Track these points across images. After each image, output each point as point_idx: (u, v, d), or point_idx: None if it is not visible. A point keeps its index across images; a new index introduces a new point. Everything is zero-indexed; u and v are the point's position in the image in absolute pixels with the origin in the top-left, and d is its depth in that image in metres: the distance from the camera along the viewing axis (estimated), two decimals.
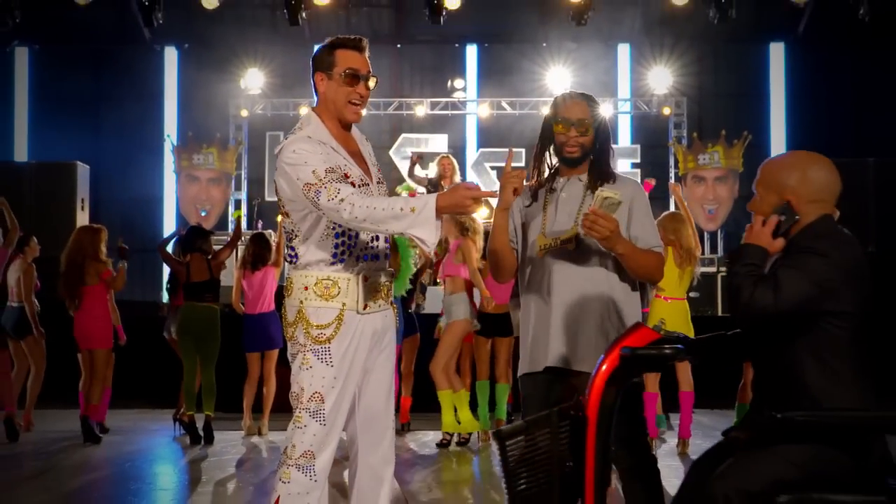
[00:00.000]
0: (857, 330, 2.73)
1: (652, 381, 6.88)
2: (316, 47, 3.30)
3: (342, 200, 2.96)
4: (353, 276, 3.18)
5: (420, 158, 9.95)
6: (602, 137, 3.48)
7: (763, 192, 2.89)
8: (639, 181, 3.94)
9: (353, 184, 3.14)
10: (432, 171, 10.63)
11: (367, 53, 3.27)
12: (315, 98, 3.30)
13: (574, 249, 3.36)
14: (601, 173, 3.46)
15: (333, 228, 3.17)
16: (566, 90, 3.75)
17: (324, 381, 3.13)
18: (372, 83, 3.25)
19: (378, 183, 3.32)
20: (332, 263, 3.18)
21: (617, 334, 3.29)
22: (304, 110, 12.23)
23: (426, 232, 2.93)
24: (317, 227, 3.18)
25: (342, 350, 3.14)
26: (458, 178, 9.59)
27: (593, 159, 3.48)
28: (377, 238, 3.24)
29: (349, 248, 3.19)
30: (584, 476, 2.65)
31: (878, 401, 2.74)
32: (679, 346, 2.70)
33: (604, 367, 2.69)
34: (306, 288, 3.18)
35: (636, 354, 2.64)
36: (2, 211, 7.89)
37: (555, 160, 3.55)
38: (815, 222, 2.80)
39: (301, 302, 3.17)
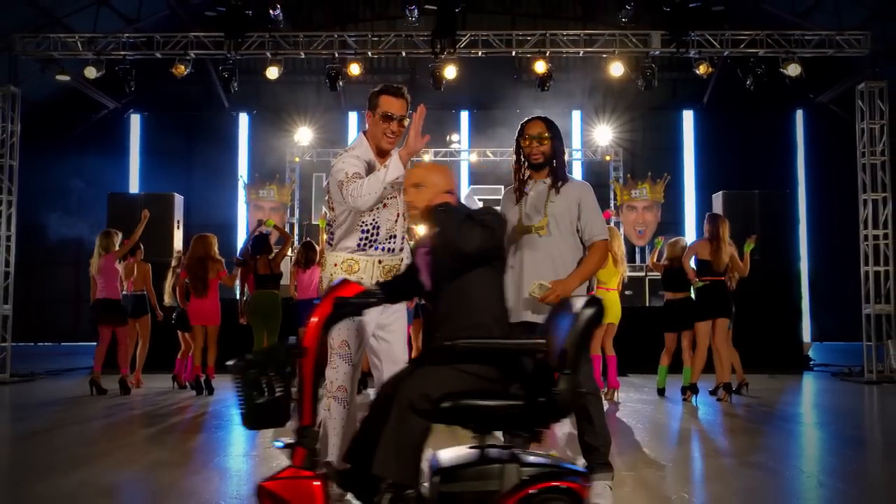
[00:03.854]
0: (502, 278, 2.69)
1: (608, 346, 6.90)
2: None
3: (356, 186, 3.01)
4: (371, 260, 3.18)
5: None
6: (557, 147, 3.43)
7: (415, 189, 2.75)
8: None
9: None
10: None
11: (404, 98, 3.22)
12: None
13: (544, 235, 3.36)
14: (558, 175, 3.43)
15: (360, 225, 3.16)
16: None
17: (348, 332, 3.12)
18: (406, 123, 3.19)
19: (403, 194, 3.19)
20: (356, 251, 3.18)
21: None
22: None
23: (396, 171, 2.97)
24: (348, 221, 3.19)
25: None
26: None
27: (553, 165, 3.45)
28: (393, 237, 3.21)
29: (370, 240, 3.18)
30: (304, 394, 2.46)
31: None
32: (380, 295, 2.63)
33: (319, 312, 2.51)
34: (336, 265, 3.20)
35: (347, 302, 2.55)
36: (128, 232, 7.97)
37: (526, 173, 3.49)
38: (461, 205, 2.75)
39: (332, 275, 3.19)
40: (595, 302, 2.56)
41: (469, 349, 2.49)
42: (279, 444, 2.50)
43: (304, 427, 2.45)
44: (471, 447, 2.52)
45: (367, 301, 2.59)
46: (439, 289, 2.63)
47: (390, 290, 2.86)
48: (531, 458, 2.46)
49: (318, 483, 2.40)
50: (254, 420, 2.45)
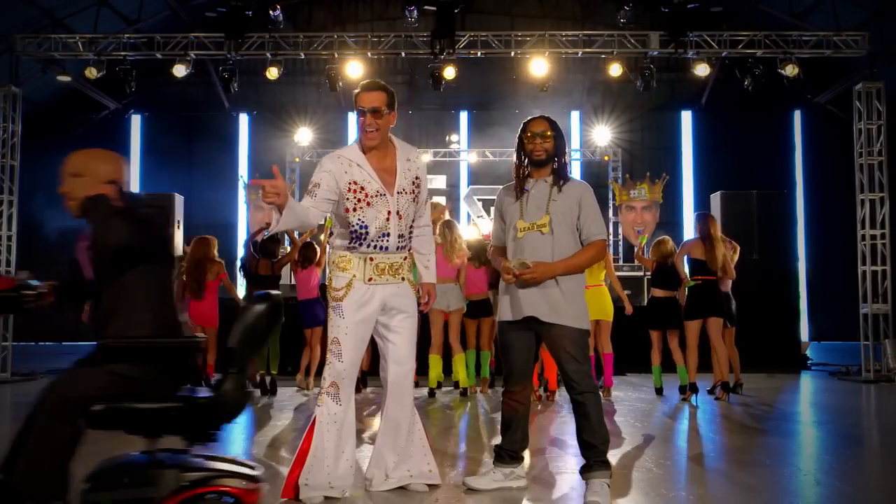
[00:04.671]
0: (168, 275, 2.53)
1: (604, 344, 6.86)
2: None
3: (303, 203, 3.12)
4: (361, 257, 3.21)
5: None
6: (560, 146, 3.41)
7: (73, 179, 2.54)
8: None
9: (366, 194, 3.17)
10: None
11: (379, 91, 3.26)
12: None
13: (546, 233, 3.34)
14: (560, 174, 3.40)
15: (349, 226, 3.19)
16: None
17: (339, 329, 3.17)
18: (384, 114, 3.23)
19: (399, 193, 3.24)
20: (348, 248, 3.22)
21: (568, 294, 3.28)
22: None
23: (276, 225, 2.99)
24: (341, 222, 3.25)
25: (352, 308, 3.17)
26: (446, 215, 8.06)
27: (555, 164, 3.42)
28: (386, 236, 3.22)
29: (361, 239, 3.21)
30: None
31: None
32: (35, 292, 2.41)
33: None
34: (332, 262, 3.27)
35: None
36: None
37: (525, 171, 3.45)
38: (127, 195, 2.54)
39: (329, 272, 3.27)
40: (266, 299, 2.38)
41: (121, 348, 2.31)
42: None
43: None
44: (142, 452, 2.35)
45: (14, 296, 2.35)
46: (101, 286, 2.43)
47: (61, 289, 2.61)
48: (197, 463, 2.31)
49: None
50: None
